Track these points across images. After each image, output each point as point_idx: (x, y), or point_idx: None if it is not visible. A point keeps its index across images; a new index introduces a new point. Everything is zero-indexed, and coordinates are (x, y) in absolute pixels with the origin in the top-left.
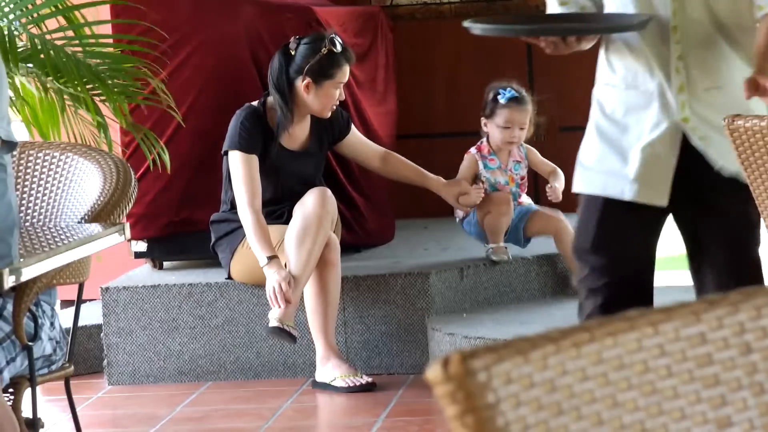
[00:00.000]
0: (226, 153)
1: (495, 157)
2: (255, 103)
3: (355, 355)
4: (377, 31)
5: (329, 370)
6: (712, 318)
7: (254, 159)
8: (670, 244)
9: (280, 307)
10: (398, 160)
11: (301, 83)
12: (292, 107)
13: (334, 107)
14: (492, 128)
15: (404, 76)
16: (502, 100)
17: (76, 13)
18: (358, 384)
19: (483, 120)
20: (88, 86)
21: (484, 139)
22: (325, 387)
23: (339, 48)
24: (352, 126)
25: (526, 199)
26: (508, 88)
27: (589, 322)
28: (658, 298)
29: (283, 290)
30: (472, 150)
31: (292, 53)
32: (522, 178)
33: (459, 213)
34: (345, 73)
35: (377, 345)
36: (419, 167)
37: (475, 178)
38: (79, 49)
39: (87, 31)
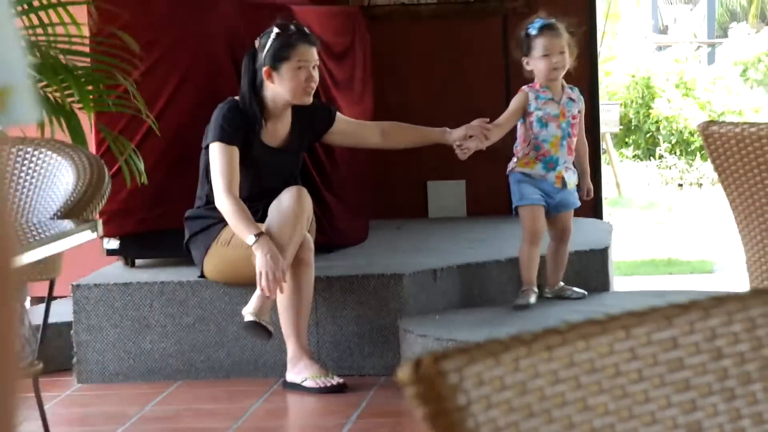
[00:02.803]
0: (206, 147)
1: (548, 89)
2: (237, 97)
3: (326, 356)
4: (355, 31)
5: (300, 370)
6: (684, 323)
7: (235, 150)
8: (639, 247)
9: (274, 297)
10: (397, 130)
11: (264, 74)
12: (264, 105)
13: (310, 90)
14: (534, 63)
15: (381, 76)
16: (533, 31)
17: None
18: (328, 385)
19: (524, 60)
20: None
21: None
22: (296, 387)
23: (292, 29)
24: (338, 115)
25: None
26: (536, 19)
27: (561, 325)
28: (629, 301)
29: (277, 279)
30: (525, 87)
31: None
32: (574, 118)
33: (509, 165)
34: (302, 52)
35: (349, 346)
36: (419, 127)
37: (523, 116)
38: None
39: (60, 30)
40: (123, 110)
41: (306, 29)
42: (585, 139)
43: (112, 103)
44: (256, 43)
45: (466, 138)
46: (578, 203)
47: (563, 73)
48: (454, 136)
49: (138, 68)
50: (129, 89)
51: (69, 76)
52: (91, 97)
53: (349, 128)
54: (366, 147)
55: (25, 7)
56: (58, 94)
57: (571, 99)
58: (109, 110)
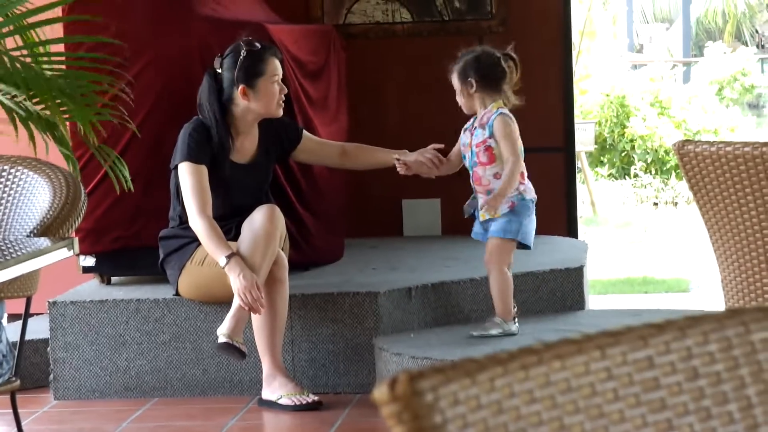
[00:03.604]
0: (175, 167)
1: (475, 118)
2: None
3: (301, 374)
4: (330, 50)
5: (275, 388)
6: (660, 342)
7: (204, 169)
8: (615, 266)
9: (260, 313)
10: (357, 151)
11: (238, 93)
12: (231, 122)
13: (282, 103)
14: None
15: (356, 95)
16: None
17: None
18: (304, 402)
19: None
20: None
21: None
22: (271, 405)
23: (258, 45)
24: (304, 132)
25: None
26: None
27: (536, 344)
28: (607, 320)
29: (255, 298)
30: None
31: (220, 72)
32: (477, 146)
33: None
34: (274, 66)
35: (324, 364)
36: (378, 149)
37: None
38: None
39: (40, 48)
40: (109, 119)
41: (269, 43)
42: (505, 163)
43: (94, 114)
44: (216, 62)
45: (418, 161)
46: (494, 233)
47: (465, 109)
48: (408, 159)
49: (123, 77)
50: (119, 93)
51: (61, 95)
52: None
53: (313, 146)
54: (327, 165)
55: (11, 28)
56: (41, 107)
57: (479, 127)
58: (100, 119)
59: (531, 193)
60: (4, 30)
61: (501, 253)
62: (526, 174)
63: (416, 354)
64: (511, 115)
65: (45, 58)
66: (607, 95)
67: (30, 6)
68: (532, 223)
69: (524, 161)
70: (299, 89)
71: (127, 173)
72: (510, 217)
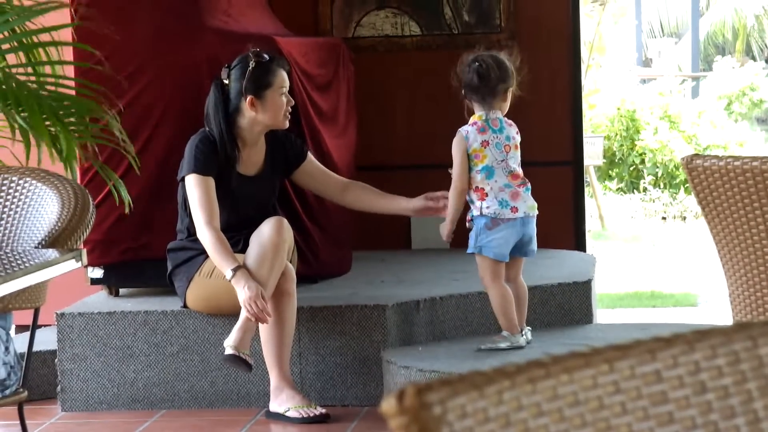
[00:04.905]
0: (182, 179)
1: None
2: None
3: (309, 386)
4: (339, 63)
5: (283, 400)
6: (668, 356)
7: (211, 181)
8: (623, 280)
9: (267, 322)
10: (359, 192)
11: (245, 104)
12: (237, 133)
13: (288, 115)
14: None
15: (365, 108)
16: None
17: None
18: (311, 415)
19: None
20: (47, 123)
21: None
22: (279, 417)
23: (266, 56)
24: (309, 154)
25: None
26: None
27: (544, 357)
28: (614, 334)
29: (260, 308)
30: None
31: (227, 82)
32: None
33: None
34: (282, 78)
35: (332, 376)
36: (382, 195)
37: None
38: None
39: (47, 68)
40: (105, 143)
41: (277, 54)
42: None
43: (93, 136)
44: (223, 73)
45: (427, 209)
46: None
47: None
48: (414, 205)
49: (122, 97)
50: (110, 123)
51: (58, 124)
52: (72, 128)
53: (316, 172)
54: (325, 197)
55: (15, 44)
56: (48, 122)
57: None
58: (92, 141)
59: (484, 209)
60: (6, 46)
61: (480, 269)
62: (489, 191)
63: (424, 367)
64: (467, 131)
65: (51, 80)
66: (618, 109)
67: (37, 26)
68: (494, 236)
69: (532, 175)
70: (308, 102)
71: (125, 194)
72: (470, 234)
